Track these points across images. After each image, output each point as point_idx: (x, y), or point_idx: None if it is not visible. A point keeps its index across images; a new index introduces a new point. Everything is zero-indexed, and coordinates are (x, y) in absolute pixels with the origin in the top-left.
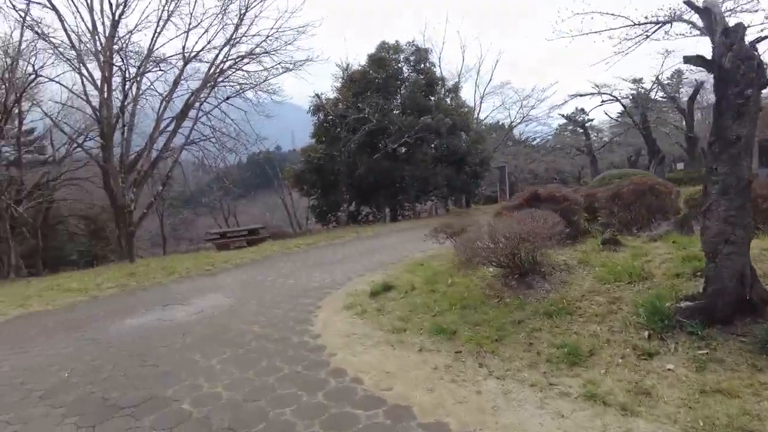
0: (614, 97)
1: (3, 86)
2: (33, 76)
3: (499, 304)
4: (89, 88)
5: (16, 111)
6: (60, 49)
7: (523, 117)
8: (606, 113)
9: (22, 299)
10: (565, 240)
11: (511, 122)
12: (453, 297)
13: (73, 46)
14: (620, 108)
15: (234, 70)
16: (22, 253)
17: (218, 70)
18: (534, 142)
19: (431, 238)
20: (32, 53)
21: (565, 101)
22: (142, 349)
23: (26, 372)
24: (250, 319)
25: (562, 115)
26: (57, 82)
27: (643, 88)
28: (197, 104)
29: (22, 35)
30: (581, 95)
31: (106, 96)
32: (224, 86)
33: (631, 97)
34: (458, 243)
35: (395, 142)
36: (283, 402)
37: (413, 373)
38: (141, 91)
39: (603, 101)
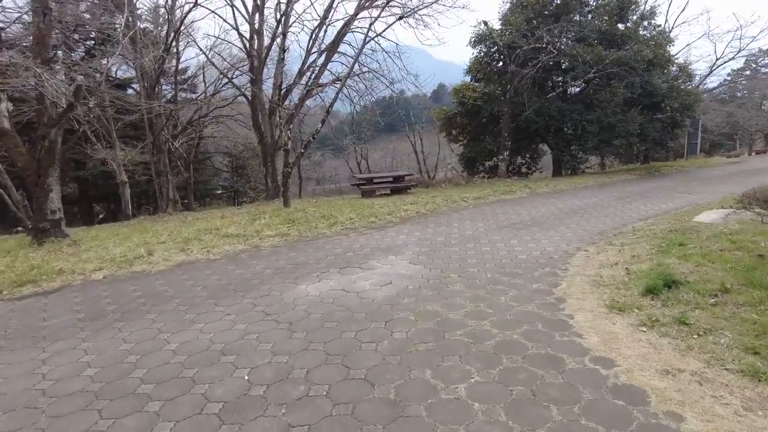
0: None
1: (165, 18)
2: (192, 4)
3: None
4: (240, 21)
5: (174, 50)
6: None
7: (738, 50)
8: None
9: (183, 242)
10: None
11: (716, 60)
12: None
13: None
14: None
15: None
16: (177, 185)
17: None
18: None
19: (738, 210)
20: None
21: None
22: (337, 345)
23: (191, 360)
24: (469, 309)
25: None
26: (212, 11)
27: None
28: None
29: None
30: None
31: (257, 26)
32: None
33: None
34: None
35: (577, 78)
36: None
37: None
38: (291, 23)
39: None
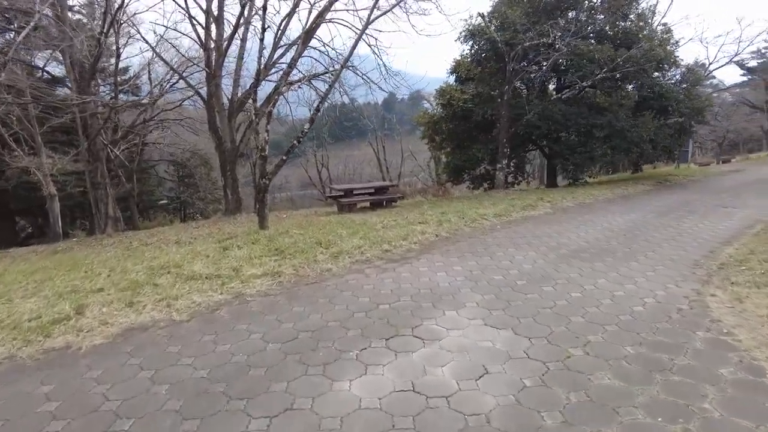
0: None
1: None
2: None
3: None
4: (192, 4)
5: (114, 47)
6: None
7: (736, 53)
8: None
9: (129, 288)
10: None
11: (709, 64)
12: None
13: None
14: None
15: None
16: (117, 197)
17: None
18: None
19: None
20: None
21: None
22: None
23: None
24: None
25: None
26: None
27: None
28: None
29: None
30: None
31: (216, 12)
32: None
33: None
34: None
35: (585, 79)
36: None
37: None
38: (254, 11)
39: None
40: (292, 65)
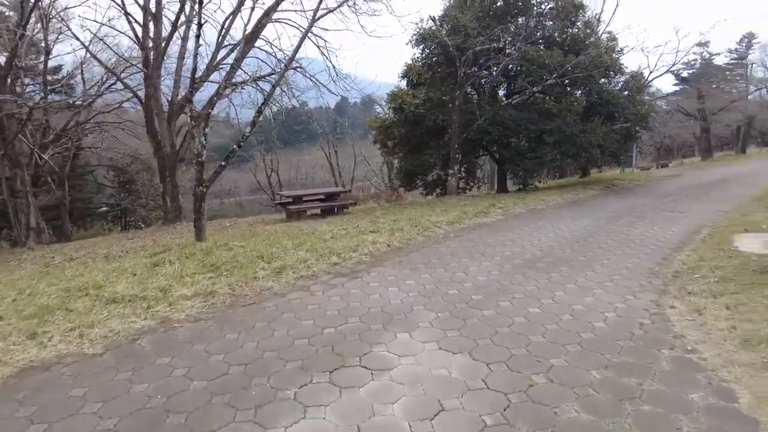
0: None
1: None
2: None
3: None
4: (132, 8)
5: (43, 44)
6: None
7: (673, 63)
8: None
9: (37, 315)
10: None
11: (649, 73)
12: None
13: None
14: None
15: None
16: (46, 205)
17: None
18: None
19: None
20: None
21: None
22: None
23: None
24: None
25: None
26: None
27: None
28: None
29: None
30: None
31: (154, 8)
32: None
33: None
34: None
35: (535, 84)
36: None
37: None
38: (205, 3)
39: None
40: (234, 66)
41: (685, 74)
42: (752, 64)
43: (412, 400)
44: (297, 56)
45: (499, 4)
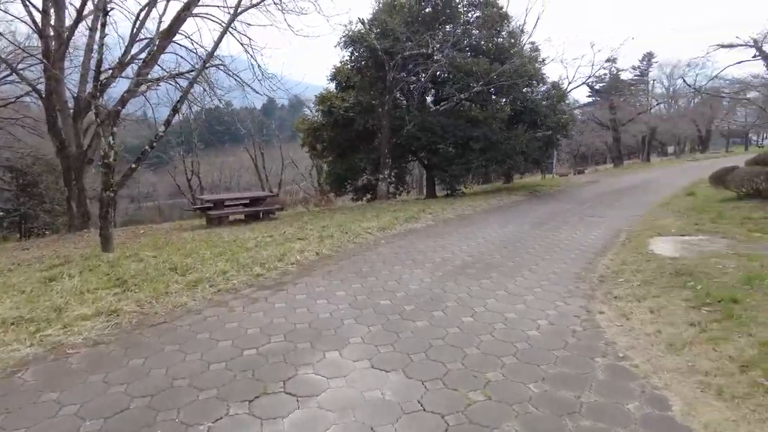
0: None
1: None
2: None
3: None
4: None
5: None
6: None
7: (589, 76)
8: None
9: None
10: None
11: (568, 84)
12: None
13: None
14: None
15: None
16: None
17: None
18: None
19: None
20: None
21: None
22: None
23: None
24: None
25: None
26: None
27: None
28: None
29: None
30: (725, 46)
31: None
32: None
33: None
34: None
35: (462, 91)
36: None
37: None
38: None
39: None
40: (149, 61)
41: (598, 87)
42: (653, 80)
43: (342, 429)
44: (220, 54)
45: (427, 10)
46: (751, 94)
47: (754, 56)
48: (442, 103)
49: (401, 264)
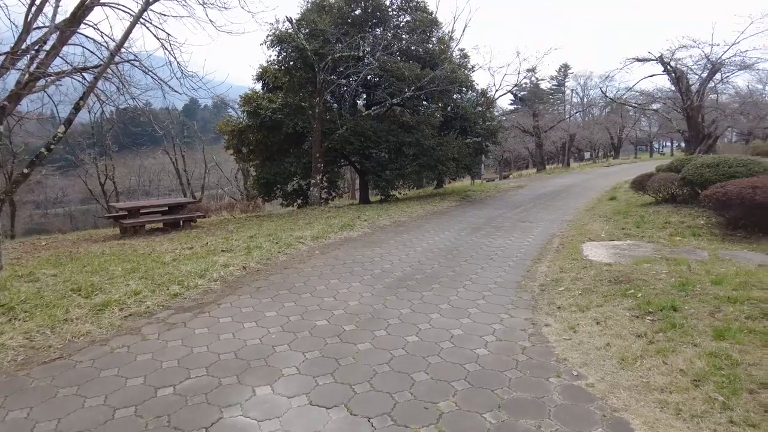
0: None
1: None
2: None
3: None
4: None
5: None
6: None
7: (515, 84)
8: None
9: None
10: None
11: (495, 91)
12: None
13: None
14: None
15: None
16: None
17: None
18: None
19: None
20: None
21: (622, 66)
22: None
23: None
24: None
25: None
26: None
27: None
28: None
29: None
30: (640, 59)
31: None
32: None
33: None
34: None
35: (394, 96)
36: None
37: None
38: None
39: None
40: (49, 53)
41: (521, 95)
42: (572, 90)
43: None
44: (135, 49)
45: (357, 12)
46: (656, 106)
47: (667, 70)
48: (374, 108)
49: (338, 277)
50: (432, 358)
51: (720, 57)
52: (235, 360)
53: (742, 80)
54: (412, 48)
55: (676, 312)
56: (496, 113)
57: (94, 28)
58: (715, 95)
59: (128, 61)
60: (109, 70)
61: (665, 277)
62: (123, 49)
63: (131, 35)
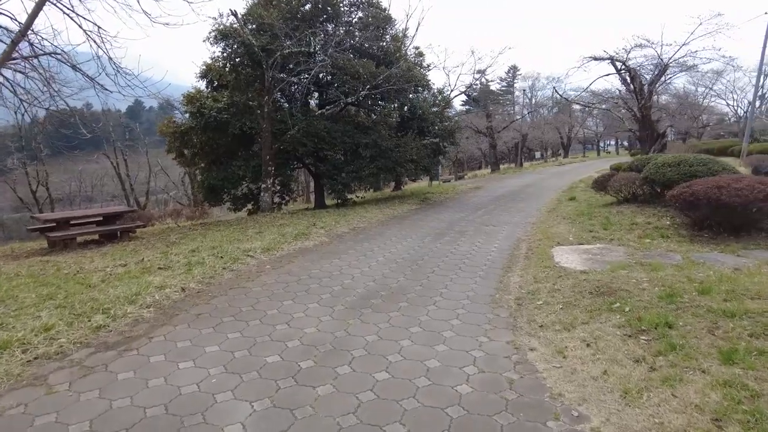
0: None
1: None
2: None
3: None
4: None
5: None
6: None
7: (470, 84)
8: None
9: None
10: None
11: (450, 91)
12: None
13: None
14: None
15: None
16: None
17: None
18: None
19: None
20: None
21: (581, 64)
22: None
23: None
24: None
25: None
26: None
27: None
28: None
29: None
30: (597, 58)
31: None
32: None
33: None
34: None
35: (349, 95)
36: None
37: None
38: None
39: (620, 69)
40: None
41: (473, 96)
42: (522, 91)
43: None
44: (61, 44)
45: (307, 7)
46: (606, 105)
47: (618, 70)
48: (327, 107)
49: (292, 298)
50: (407, 402)
51: (672, 57)
52: (165, 417)
53: (679, 82)
54: (366, 45)
55: (671, 329)
56: (451, 114)
57: (13, 19)
58: (656, 96)
59: (49, 54)
60: (27, 65)
61: (648, 287)
62: (47, 42)
63: (55, 26)
